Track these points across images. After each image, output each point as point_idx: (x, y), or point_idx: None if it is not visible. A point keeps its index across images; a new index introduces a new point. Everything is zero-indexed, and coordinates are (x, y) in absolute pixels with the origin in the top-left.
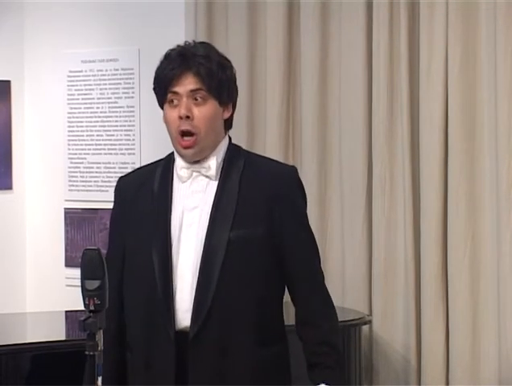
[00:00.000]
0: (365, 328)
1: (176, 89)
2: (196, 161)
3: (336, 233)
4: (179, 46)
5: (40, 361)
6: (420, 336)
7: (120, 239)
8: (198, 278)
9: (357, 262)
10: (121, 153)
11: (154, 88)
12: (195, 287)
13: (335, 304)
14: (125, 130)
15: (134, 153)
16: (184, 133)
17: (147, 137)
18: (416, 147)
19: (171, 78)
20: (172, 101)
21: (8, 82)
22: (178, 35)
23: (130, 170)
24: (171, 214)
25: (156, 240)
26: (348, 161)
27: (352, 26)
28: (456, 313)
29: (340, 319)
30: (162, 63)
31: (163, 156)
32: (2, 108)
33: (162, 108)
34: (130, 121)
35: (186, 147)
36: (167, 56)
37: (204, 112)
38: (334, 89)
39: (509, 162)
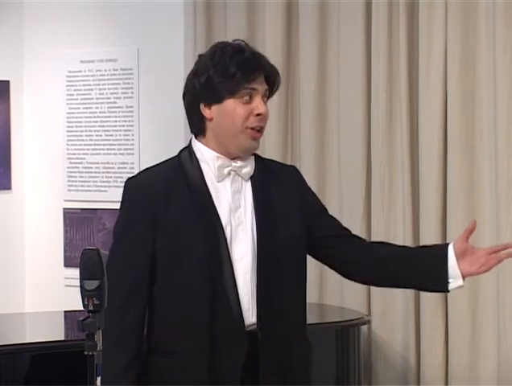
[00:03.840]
0: (364, 328)
1: (256, 86)
2: (234, 159)
3: None
4: (238, 44)
5: (39, 361)
6: (419, 336)
7: (147, 235)
8: (258, 278)
9: None
10: (120, 154)
11: (208, 80)
12: (254, 286)
13: (333, 304)
14: (124, 130)
15: (132, 154)
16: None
17: (146, 138)
18: (415, 146)
19: (253, 75)
20: (250, 97)
21: (7, 82)
22: (177, 35)
23: (128, 171)
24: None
25: (209, 240)
26: (346, 160)
27: (351, 27)
28: (456, 312)
29: (338, 319)
30: (231, 57)
31: (162, 156)
32: (0, 109)
33: (214, 101)
34: (129, 121)
35: (256, 138)
36: (237, 52)
37: (268, 111)
38: (333, 89)
39: (509, 161)
